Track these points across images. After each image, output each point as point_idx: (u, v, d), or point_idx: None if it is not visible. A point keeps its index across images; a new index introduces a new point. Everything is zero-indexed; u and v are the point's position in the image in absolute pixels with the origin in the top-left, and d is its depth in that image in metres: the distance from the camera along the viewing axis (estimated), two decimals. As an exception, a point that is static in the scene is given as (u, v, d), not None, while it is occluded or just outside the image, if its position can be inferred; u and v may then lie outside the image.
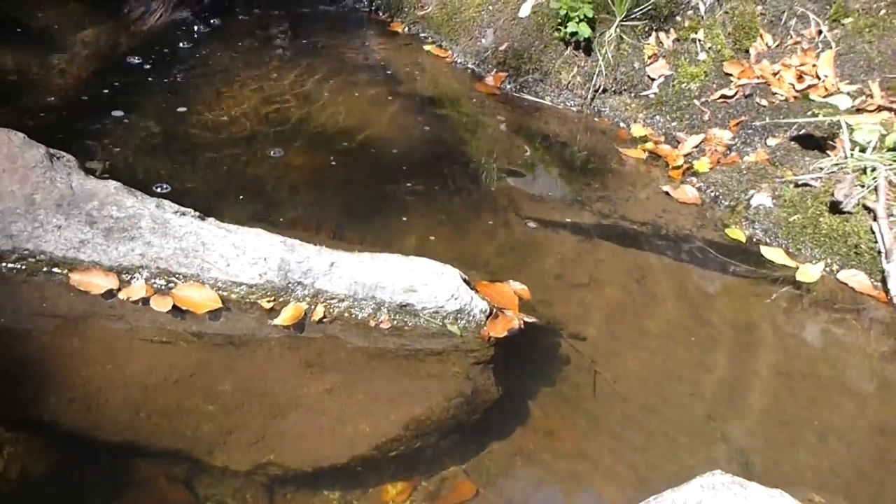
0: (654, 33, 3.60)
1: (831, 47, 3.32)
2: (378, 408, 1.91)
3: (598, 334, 2.40)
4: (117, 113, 3.06)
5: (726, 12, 3.54)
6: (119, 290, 1.96)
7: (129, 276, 1.97)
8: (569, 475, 2.04)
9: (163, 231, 1.99)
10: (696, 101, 3.42)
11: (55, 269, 1.97)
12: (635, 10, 3.55)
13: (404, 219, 2.74)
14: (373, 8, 4.34)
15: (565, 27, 3.55)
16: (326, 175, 2.93)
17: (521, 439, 2.10)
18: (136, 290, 1.96)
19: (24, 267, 1.96)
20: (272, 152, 2.99)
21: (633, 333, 2.42)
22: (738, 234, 2.83)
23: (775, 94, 3.29)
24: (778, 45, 3.47)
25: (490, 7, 3.88)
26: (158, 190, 2.60)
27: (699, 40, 3.53)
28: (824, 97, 3.12)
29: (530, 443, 2.10)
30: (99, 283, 1.96)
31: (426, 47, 3.99)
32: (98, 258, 1.96)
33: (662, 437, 2.14)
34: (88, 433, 1.84)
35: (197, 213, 2.07)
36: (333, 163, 2.99)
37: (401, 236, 2.67)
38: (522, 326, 2.10)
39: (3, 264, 1.97)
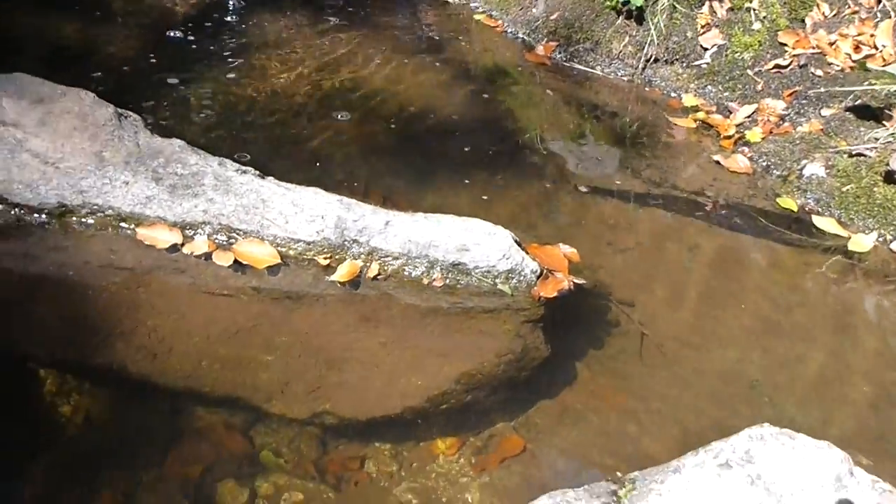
0: (707, 2, 3.56)
1: (890, 17, 3.25)
2: (431, 362, 1.97)
3: (646, 299, 2.42)
4: (172, 80, 3.13)
5: (782, -19, 3.48)
6: (183, 244, 2.04)
7: (193, 232, 2.05)
8: (616, 434, 2.07)
9: (225, 188, 2.05)
10: (749, 72, 3.38)
11: (122, 224, 2.05)
12: (689, -21, 3.51)
13: (453, 184, 2.77)
14: (423, -22, 4.35)
15: (617, -4, 3.53)
16: (377, 141, 2.97)
17: (569, 398, 2.14)
18: (199, 245, 2.03)
19: (93, 221, 2.05)
20: (339, 115, 3.03)
21: (681, 299, 2.44)
22: (789, 203, 2.82)
23: (831, 64, 3.24)
24: (835, 15, 3.41)
25: (541, -24, 3.86)
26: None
27: (754, 9, 3.48)
28: (882, 67, 3.07)
29: (578, 402, 2.14)
30: (164, 237, 2.03)
31: (477, 17, 3.99)
32: (163, 214, 2.04)
33: (709, 400, 2.16)
34: (154, 379, 1.92)
35: (257, 172, 2.13)
36: (384, 129, 3.04)
37: (450, 201, 2.70)
38: (572, 288, 2.13)
39: (74, 219, 2.05)
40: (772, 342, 2.32)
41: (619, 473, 1.62)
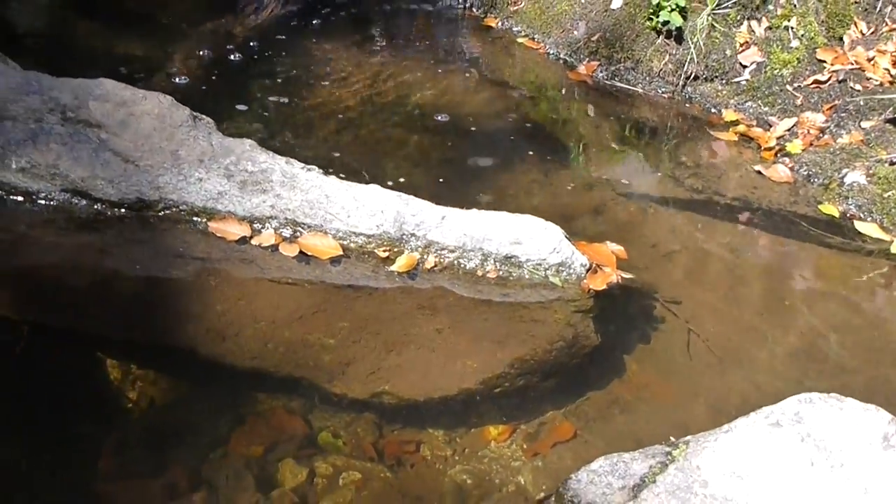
0: (745, 21, 3.66)
1: (929, 32, 3.32)
2: (485, 347, 2.06)
3: (691, 298, 2.48)
4: (237, 102, 3.30)
5: (819, 0, 3.57)
6: (251, 237, 2.17)
7: (260, 225, 2.18)
8: (664, 423, 2.13)
9: (291, 184, 2.18)
10: (788, 87, 3.47)
11: (195, 218, 2.19)
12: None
13: (500, 191, 2.88)
14: (467, 5, 4.50)
15: (657, 16, 3.65)
16: (425, 152, 3.10)
17: (618, 388, 2.21)
18: (267, 237, 2.16)
19: (168, 215, 2.19)
20: (390, 128, 3.17)
21: (726, 298, 2.50)
22: (831, 209, 2.88)
23: (870, 78, 3.32)
24: (872, 33, 3.49)
25: (582, 0, 4.00)
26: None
27: (792, 28, 3.58)
28: (921, 80, 3.14)
29: (627, 392, 2.20)
30: (234, 230, 2.17)
31: (519, 40, 4.13)
32: (233, 208, 2.17)
33: (756, 394, 2.20)
34: (222, 360, 2.03)
35: (321, 170, 2.26)
36: (431, 141, 3.17)
37: (499, 206, 2.80)
38: (620, 281, 2.21)
39: (151, 213, 2.20)
40: (816, 340, 2.37)
41: (672, 438, 1.69)
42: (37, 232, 2.21)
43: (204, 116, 2.31)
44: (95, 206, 2.20)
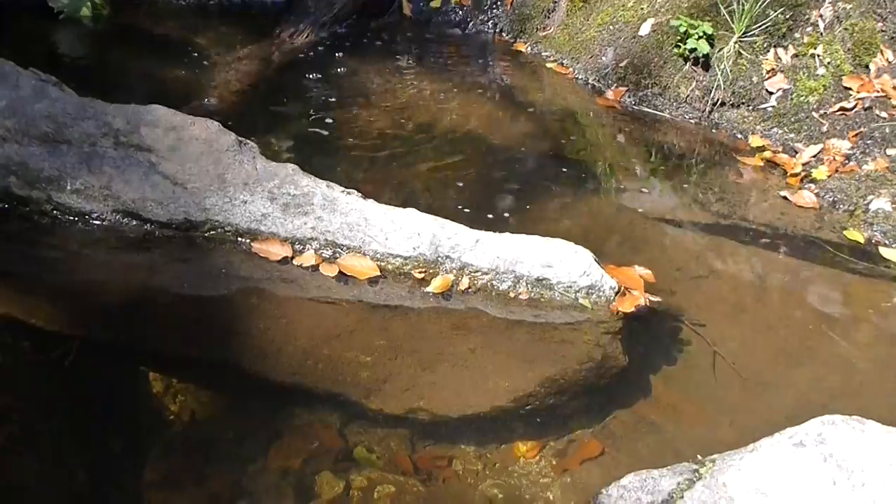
0: (772, 49, 3.72)
1: (955, 61, 3.36)
2: (516, 366, 2.13)
3: (717, 321, 2.54)
4: (272, 125, 3.41)
5: (846, 29, 3.63)
6: (293, 257, 2.27)
7: (302, 246, 2.28)
8: (691, 443, 2.18)
9: (331, 207, 2.28)
10: (814, 114, 3.52)
11: (240, 239, 2.29)
12: (754, 27, 3.69)
13: (529, 214, 2.96)
14: (497, 31, 4.61)
15: (685, 44, 3.72)
16: (455, 175, 3.18)
17: (645, 409, 2.27)
18: (307, 258, 2.26)
19: (214, 236, 2.30)
20: (424, 149, 3.27)
21: (752, 322, 2.56)
22: (856, 235, 2.93)
23: (895, 106, 3.36)
24: (899, 61, 3.54)
25: (611, 27, 4.09)
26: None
27: (818, 55, 3.64)
28: (947, 108, 3.18)
29: (653, 413, 2.26)
30: (276, 251, 2.26)
31: (548, 65, 4.23)
32: (276, 230, 2.27)
33: (781, 416, 2.24)
34: (264, 375, 2.12)
35: (360, 194, 2.35)
36: (461, 164, 3.25)
37: (528, 229, 2.87)
38: (648, 304, 2.28)
39: (197, 233, 2.30)
40: (842, 363, 2.41)
41: (699, 456, 1.74)
42: (89, 251, 2.32)
43: (248, 141, 2.41)
44: (145, 227, 2.31)
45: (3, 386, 1.99)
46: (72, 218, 2.32)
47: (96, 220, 2.32)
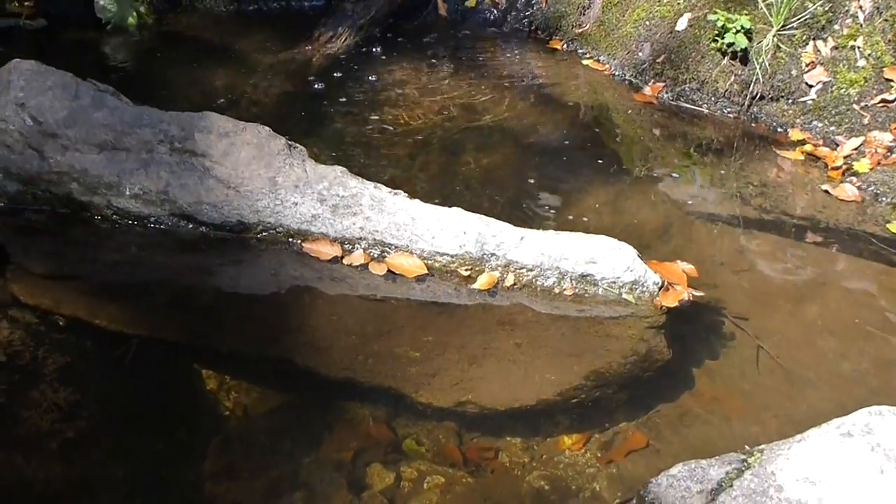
0: (811, 42, 3.71)
1: None
2: (562, 361, 2.18)
3: (760, 315, 2.55)
4: (314, 127, 3.49)
5: (886, 20, 3.61)
6: (342, 257, 2.34)
7: (351, 246, 2.35)
8: (734, 435, 2.21)
9: (379, 208, 2.35)
10: (855, 106, 3.51)
11: (290, 240, 2.37)
12: (792, 20, 3.68)
13: (570, 210, 3.00)
14: (532, 28, 4.66)
15: (722, 38, 3.73)
16: (494, 173, 3.23)
17: (689, 401, 2.29)
18: (357, 257, 2.33)
19: (266, 237, 2.38)
20: (463, 147, 3.33)
21: (794, 315, 2.57)
22: (900, 228, 2.92)
23: (939, 97, 3.34)
24: (942, 51, 3.51)
25: (647, 22, 4.11)
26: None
27: (858, 47, 3.62)
28: None
29: (697, 405, 2.29)
30: (326, 251, 2.34)
31: (584, 62, 4.25)
32: (326, 230, 2.35)
33: (826, 408, 2.26)
34: (317, 370, 2.18)
35: (406, 194, 2.42)
36: (500, 163, 3.30)
37: (569, 225, 2.92)
38: (691, 299, 2.31)
39: (250, 235, 2.39)
40: (885, 357, 2.42)
41: (747, 447, 1.78)
42: (147, 253, 2.42)
43: (298, 145, 2.49)
44: (200, 229, 2.40)
45: (70, 383, 2.08)
46: (131, 222, 2.42)
47: (154, 223, 2.41)
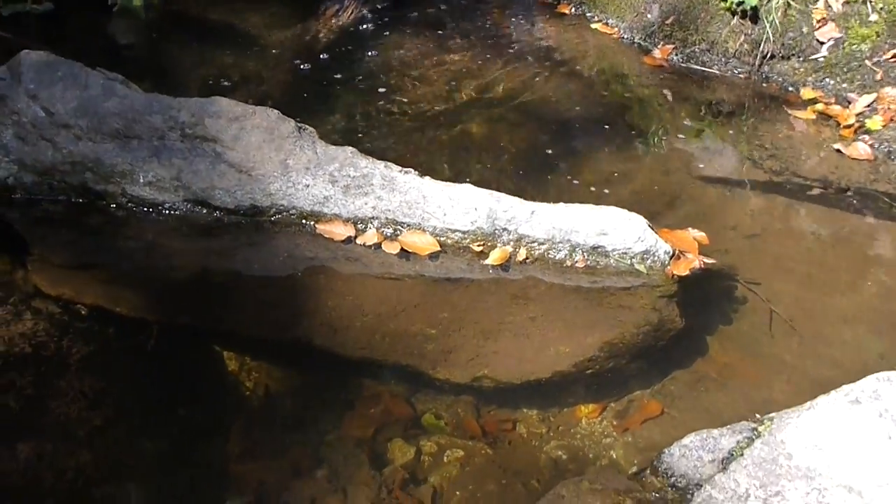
0: (822, -3, 3.66)
1: None
2: (576, 333, 2.21)
3: (773, 279, 2.56)
4: (323, 104, 3.49)
5: (899, -29, 3.54)
6: (356, 237, 2.37)
7: (364, 226, 2.37)
8: (749, 400, 2.23)
9: (390, 187, 2.37)
10: (867, 62, 3.47)
11: (304, 221, 2.40)
12: (803, -24, 3.63)
13: (580, 178, 3.00)
14: (540, -8, 4.60)
15: (732, -3, 3.68)
16: (503, 143, 3.23)
17: (703, 368, 2.32)
18: (370, 236, 2.36)
19: (280, 219, 2.41)
20: (474, 118, 3.34)
21: (808, 279, 2.57)
22: (913, 186, 2.91)
23: (953, 49, 3.29)
24: (956, 1, 3.45)
25: (655, -17, 4.05)
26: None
27: (870, 1, 3.56)
28: None
29: (711, 371, 2.32)
30: (340, 231, 2.37)
31: (593, 25, 4.21)
32: (338, 211, 2.37)
33: (839, 371, 2.28)
34: (335, 350, 2.23)
35: (417, 172, 2.43)
36: (510, 133, 3.30)
37: (578, 195, 2.92)
38: (703, 266, 2.32)
39: (264, 218, 2.42)
40: (899, 317, 2.43)
41: (757, 415, 1.81)
42: (163, 239, 2.45)
43: (308, 127, 2.50)
44: (214, 214, 2.43)
45: (95, 371, 2.13)
46: (146, 209, 2.45)
47: (168, 209, 2.44)
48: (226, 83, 3.52)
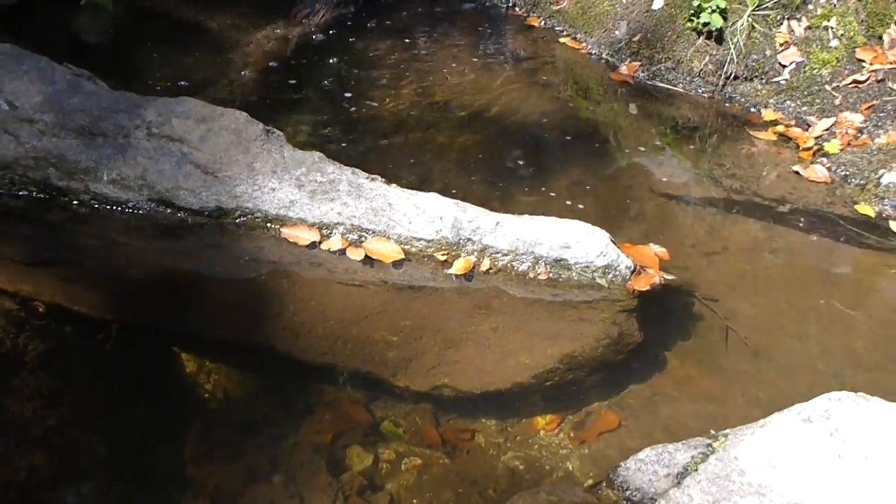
0: (785, 21, 3.74)
1: (968, 32, 3.38)
2: (536, 344, 2.23)
3: (730, 296, 2.62)
4: (292, 99, 3.48)
5: (859, 0, 3.65)
6: (320, 242, 2.37)
7: (329, 231, 2.37)
8: (704, 415, 2.28)
9: (357, 193, 2.37)
10: (827, 87, 3.56)
11: (269, 225, 2.39)
12: (767, 1, 3.71)
13: (545, 191, 3.03)
14: (510, 4, 4.64)
15: (698, 17, 3.75)
16: (470, 153, 3.25)
17: (660, 382, 2.36)
18: (334, 242, 2.36)
19: (244, 222, 2.40)
20: (440, 125, 3.36)
21: (764, 297, 2.63)
22: (867, 210, 2.98)
23: (909, 78, 3.39)
24: (913, 32, 3.55)
25: (624, 1, 4.11)
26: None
27: (831, 28, 3.66)
28: (959, 80, 3.21)
29: (668, 386, 2.36)
30: (305, 236, 2.36)
31: (562, 40, 4.25)
32: (304, 215, 2.37)
33: (791, 389, 2.33)
34: (296, 355, 2.23)
35: (383, 179, 2.44)
36: (476, 143, 3.33)
37: (542, 207, 2.94)
38: (663, 282, 2.37)
39: (228, 220, 2.40)
40: (853, 337, 2.49)
41: (712, 431, 1.85)
42: (126, 238, 2.43)
43: (275, 130, 2.50)
44: (178, 214, 2.41)
45: (52, 370, 2.10)
46: (109, 207, 2.43)
47: (132, 208, 2.42)
48: (192, 83, 3.49)
